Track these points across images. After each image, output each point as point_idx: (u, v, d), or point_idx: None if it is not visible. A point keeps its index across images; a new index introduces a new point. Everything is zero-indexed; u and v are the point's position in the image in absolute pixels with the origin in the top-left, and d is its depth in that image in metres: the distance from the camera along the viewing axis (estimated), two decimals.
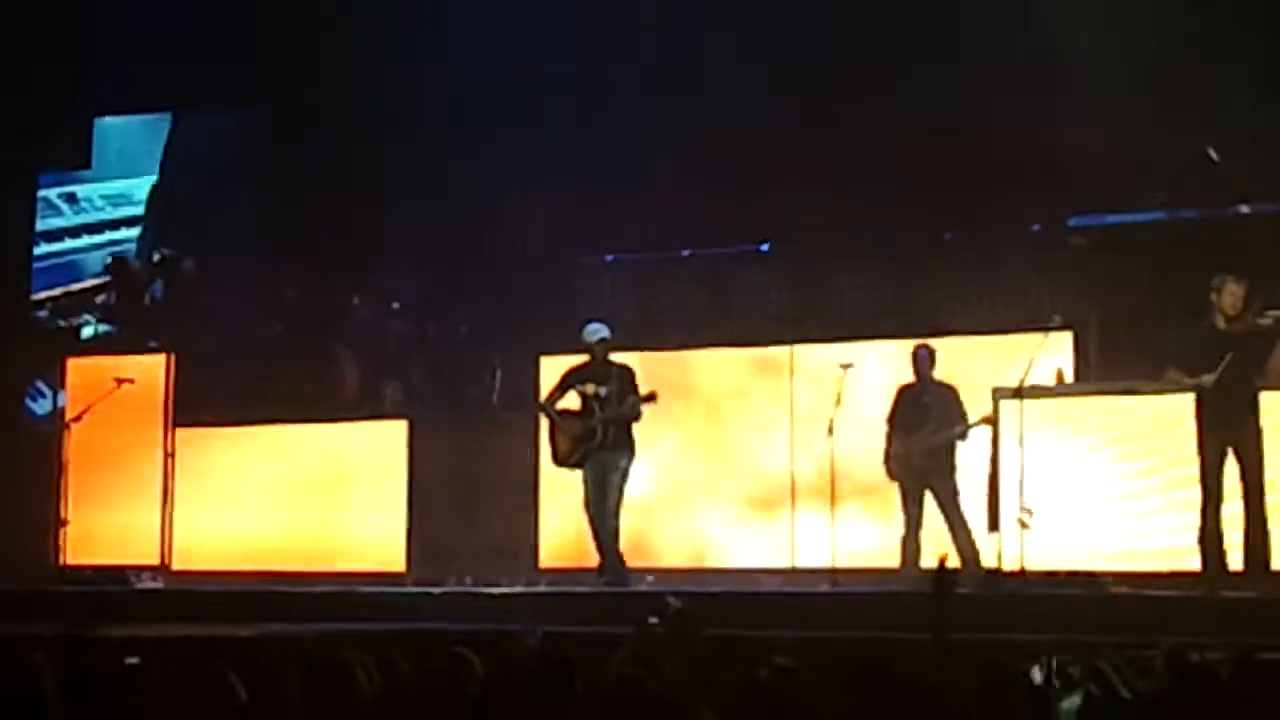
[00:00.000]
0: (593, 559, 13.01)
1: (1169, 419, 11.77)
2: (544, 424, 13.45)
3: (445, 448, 14.69)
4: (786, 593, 12.96)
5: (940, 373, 12.86)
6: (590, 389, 12.95)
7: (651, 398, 12.87)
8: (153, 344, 15.87)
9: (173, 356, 15.43)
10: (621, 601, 11.28)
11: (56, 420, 15.62)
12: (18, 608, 12.49)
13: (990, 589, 11.61)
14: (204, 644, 10.46)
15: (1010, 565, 11.92)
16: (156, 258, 17.59)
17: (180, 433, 15.25)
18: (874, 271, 15.43)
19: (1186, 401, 11.38)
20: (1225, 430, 11.21)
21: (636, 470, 13.07)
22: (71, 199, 18.53)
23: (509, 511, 14.53)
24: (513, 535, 14.47)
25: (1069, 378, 12.97)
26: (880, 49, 14.57)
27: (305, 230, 16.88)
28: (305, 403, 15.56)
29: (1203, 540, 11.21)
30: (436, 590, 12.99)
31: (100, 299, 17.83)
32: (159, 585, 14.73)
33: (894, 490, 12.89)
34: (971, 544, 12.37)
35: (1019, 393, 12.10)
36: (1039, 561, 11.86)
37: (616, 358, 13.12)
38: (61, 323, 17.75)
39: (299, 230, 16.90)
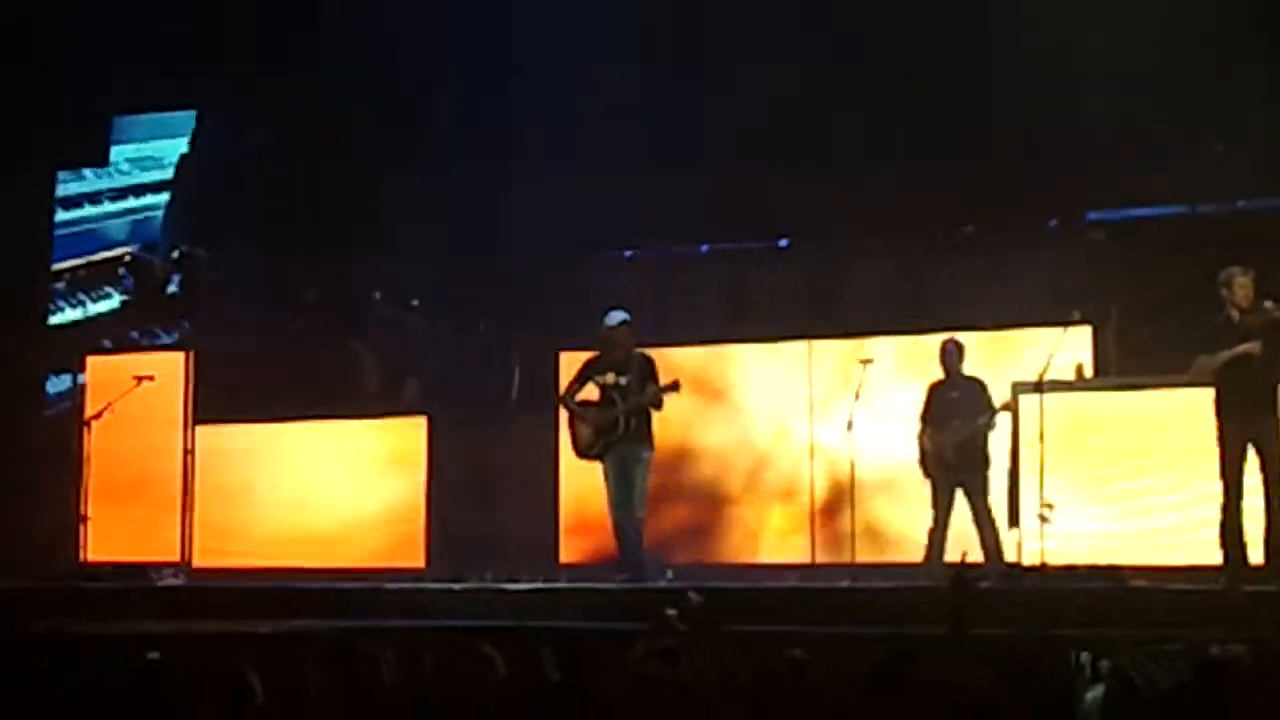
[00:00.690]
0: (612, 554, 13.00)
1: (1188, 413, 11.75)
2: (564, 417, 13.44)
3: (464, 443, 14.71)
4: (806, 588, 12.94)
5: (965, 367, 12.87)
6: (610, 379, 12.89)
7: (674, 386, 12.81)
8: (171, 339, 15.91)
9: (193, 354, 15.46)
10: (642, 597, 11.28)
11: (75, 398, 15.63)
12: (39, 604, 12.51)
13: (1011, 583, 11.59)
14: (224, 640, 10.49)
15: (1031, 559, 11.90)
16: (175, 254, 17.60)
17: (200, 429, 15.29)
18: (892, 267, 15.42)
19: (1206, 395, 11.36)
20: (1245, 424, 11.17)
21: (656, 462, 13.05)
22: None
23: (528, 507, 14.54)
24: (532, 531, 14.49)
25: (1088, 372, 12.96)
26: (897, 44, 14.54)
27: (325, 226, 16.89)
28: (325, 399, 15.59)
29: (1223, 534, 11.18)
30: (456, 586, 13.00)
31: (120, 297, 17.81)
32: (180, 582, 14.77)
33: (915, 484, 12.89)
34: (996, 539, 12.38)
35: (1039, 387, 12.09)
36: (1059, 555, 11.84)
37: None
38: (73, 309, 17.75)
39: (319, 226, 16.90)
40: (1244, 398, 11.14)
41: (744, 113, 15.08)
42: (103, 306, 17.81)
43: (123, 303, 17.62)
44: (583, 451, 13.06)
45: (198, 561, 15.02)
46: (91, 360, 15.93)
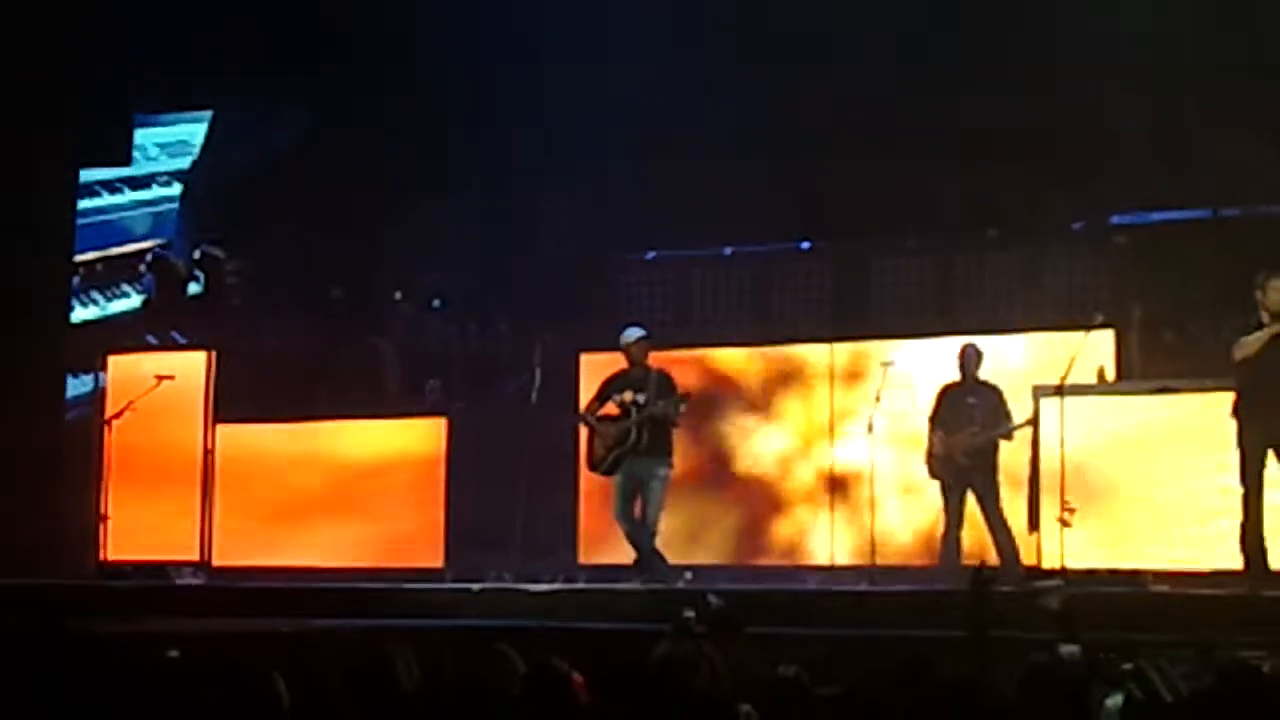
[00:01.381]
0: (630, 555, 12.99)
1: (1209, 416, 11.71)
2: (583, 431, 13.46)
3: (485, 444, 14.70)
4: (826, 590, 12.93)
5: (982, 371, 12.84)
6: (628, 396, 12.92)
7: (685, 398, 12.82)
8: (191, 339, 15.93)
9: (213, 353, 15.48)
10: (661, 598, 11.27)
11: (95, 402, 15.66)
12: (60, 603, 12.53)
13: (1029, 587, 11.56)
14: (244, 639, 10.50)
15: (1050, 564, 11.87)
16: (197, 255, 17.62)
17: (221, 429, 15.30)
18: (914, 270, 15.39)
19: (1227, 399, 11.33)
20: (1266, 428, 11.14)
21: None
22: None
23: (548, 508, 14.54)
24: (551, 531, 14.50)
25: (1110, 376, 12.92)
26: (922, 46, 14.51)
27: (347, 227, 16.90)
28: (346, 399, 15.60)
29: (1244, 538, 11.15)
30: (475, 586, 13.00)
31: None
32: (199, 581, 14.79)
33: (932, 487, 12.87)
34: (1011, 542, 12.35)
35: (1060, 391, 12.06)
36: (1079, 559, 11.81)
37: (656, 358, 13.10)
38: (91, 307, 17.76)
39: (341, 227, 16.92)
40: (1264, 401, 11.11)
41: (769, 114, 15.08)
42: (122, 305, 17.82)
43: (144, 302, 17.64)
44: (595, 466, 13.11)
45: (217, 560, 15.03)
46: (113, 359, 15.95)
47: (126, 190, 18.17)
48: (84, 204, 17.83)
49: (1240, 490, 11.16)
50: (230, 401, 15.35)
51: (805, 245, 15.81)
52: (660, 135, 15.26)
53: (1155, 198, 14.39)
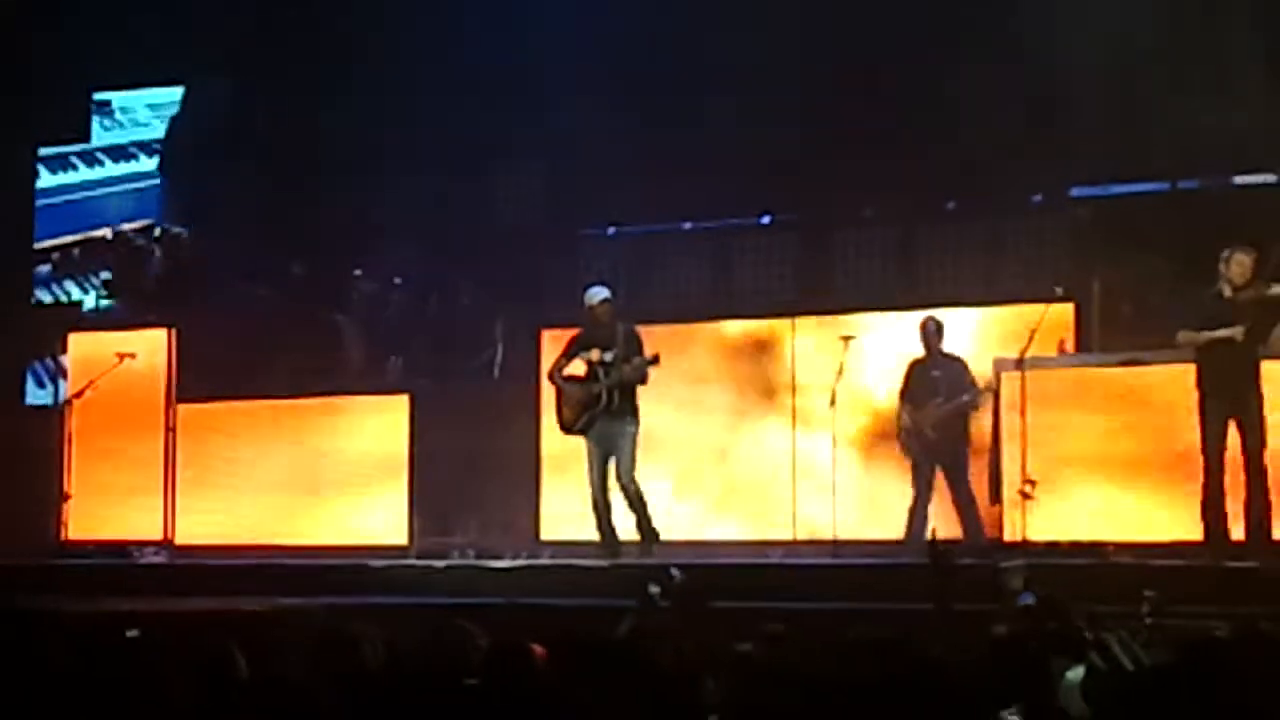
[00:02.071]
0: (594, 531, 12.99)
1: (1170, 389, 11.77)
2: (550, 395, 13.42)
3: (447, 420, 14.68)
4: (788, 564, 12.95)
5: (945, 344, 12.89)
6: (595, 355, 12.87)
7: (655, 360, 12.75)
8: (152, 318, 15.85)
9: (174, 331, 15.41)
10: (624, 574, 11.28)
11: (56, 411, 15.59)
12: (20, 582, 12.49)
13: (992, 560, 11.60)
14: (207, 618, 10.48)
15: (1012, 536, 11.92)
16: (157, 232, 17.55)
17: (183, 408, 15.25)
18: (875, 243, 15.40)
19: (1188, 371, 11.38)
20: (1227, 400, 11.20)
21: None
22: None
23: (511, 484, 14.54)
24: (514, 508, 14.50)
25: (1070, 348, 12.96)
26: (881, 19, 14.51)
27: (306, 203, 16.84)
28: (308, 377, 15.55)
29: (1204, 509, 11.21)
30: (439, 563, 12.99)
31: (103, 275, 17.73)
32: (162, 560, 14.75)
33: (895, 461, 12.92)
34: (977, 517, 12.42)
35: (1020, 364, 12.09)
36: (1040, 532, 11.86)
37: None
38: (60, 294, 17.69)
39: (300, 203, 16.85)
40: (1225, 373, 11.17)
41: (729, 88, 15.07)
42: (90, 293, 17.74)
43: (104, 282, 17.57)
44: (566, 427, 13.04)
45: (180, 540, 14.99)
46: (74, 337, 15.89)
47: (108, 162, 18.00)
48: (61, 179, 17.70)
49: (1201, 461, 11.22)
50: (192, 379, 15.29)
51: (765, 220, 15.82)
52: (621, 110, 15.24)
53: (1114, 170, 14.43)
